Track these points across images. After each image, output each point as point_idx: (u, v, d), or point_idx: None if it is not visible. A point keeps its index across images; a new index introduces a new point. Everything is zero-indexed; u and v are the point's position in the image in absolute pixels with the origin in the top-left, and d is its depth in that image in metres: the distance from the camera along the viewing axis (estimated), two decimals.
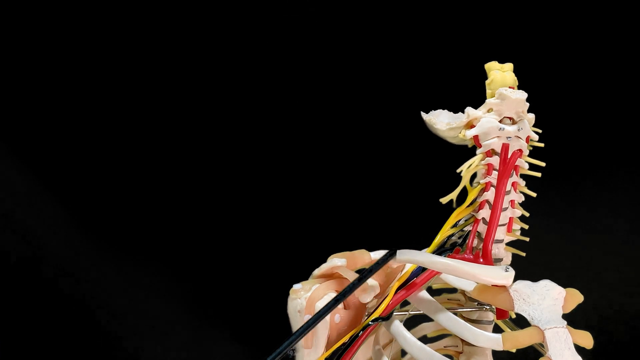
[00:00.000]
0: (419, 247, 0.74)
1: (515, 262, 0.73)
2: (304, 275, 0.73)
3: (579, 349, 0.65)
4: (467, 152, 0.74)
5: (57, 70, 1.28)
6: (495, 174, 0.72)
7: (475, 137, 0.72)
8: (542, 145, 0.72)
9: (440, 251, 0.73)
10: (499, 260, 0.73)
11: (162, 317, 1.27)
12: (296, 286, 0.71)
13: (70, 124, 1.28)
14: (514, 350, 0.67)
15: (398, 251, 0.71)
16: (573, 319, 0.66)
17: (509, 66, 0.73)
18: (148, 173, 1.29)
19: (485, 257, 0.72)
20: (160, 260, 1.28)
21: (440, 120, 0.73)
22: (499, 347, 0.66)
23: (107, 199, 1.28)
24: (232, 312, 1.27)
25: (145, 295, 1.28)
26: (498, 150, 0.72)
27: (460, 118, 0.73)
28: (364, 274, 0.70)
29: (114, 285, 1.27)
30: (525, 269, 0.72)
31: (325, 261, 0.73)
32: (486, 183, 0.72)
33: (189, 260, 1.29)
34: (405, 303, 0.73)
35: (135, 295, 1.28)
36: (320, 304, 0.70)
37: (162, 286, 1.28)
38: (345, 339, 0.71)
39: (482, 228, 0.72)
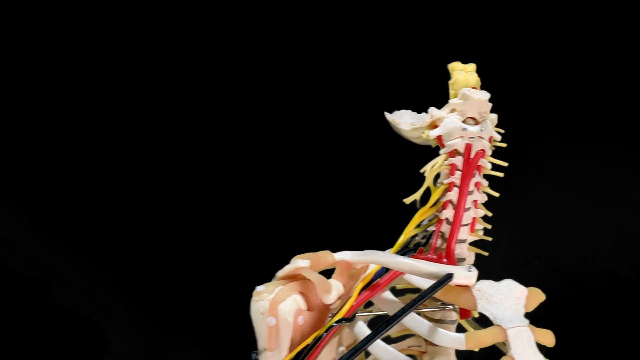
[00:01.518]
0: (383, 247, 0.74)
1: (478, 262, 0.73)
2: (267, 277, 0.73)
3: (541, 347, 0.65)
4: (430, 152, 0.74)
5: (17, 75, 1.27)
6: (458, 174, 0.72)
7: (439, 138, 0.72)
8: (504, 145, 0.73)
9: (404, 251, 0.73)
10: (462, 260, 0.73)
11: (119, 322, 1.26)
12: (259, 288, 0.71)
13: (23, 128, 1.27)
14: (477, 350, 0.68)
15: (363, 251, 0.71)
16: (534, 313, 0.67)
17: (472, 67, 0.73)
18: (104, 175, 1.28)
19: (448, 257, 0.72)
20: (119, 263, 1.27)
21: (404, 121, 0.74)
22: (462, 347, 0.67)
23: (63, 201, 1.27)
24: (195, 315, 1.26)
25: (102, 300, 1.26)
26: (461, 150, 0.72)
27: (424, 118, 0.73)
28: (422, 295, 0.67)
29: (70, 290, 1.26)
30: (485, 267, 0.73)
31: (288, 262, 0.72)
32: (449, 183, 0.72)
33: (150, 263, 1.28)
34: (369, 304, 0.73)
35: (92, 300, 1.26)
36: (283, 306, 0.70)
37: (120, 290, 1.27)
38: (309, 340, 0.70)
39: (445, 228, 0.73)
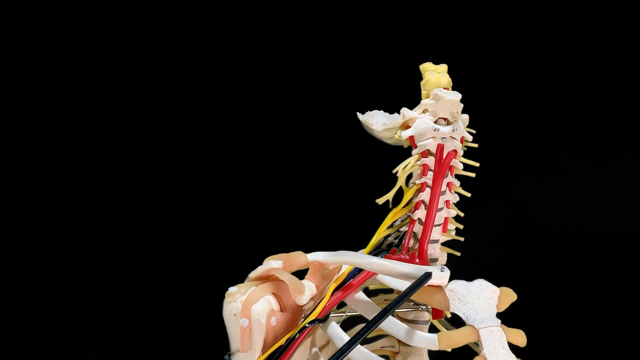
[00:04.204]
0: (356, 247, 0.74)
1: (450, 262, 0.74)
2: (240, 278, 0.73)
3: (513, 347, 0.66)
4: (403, 152, 0.74)
5: None
6: (430, 174, 0.72)
7: (411, 138, 0.72)
8: (476, 145, 0.73)
9: (377, 252, 0.74)
10: (434, 261, 0.74)
11: (94, 332, 1.25)
12: (232, 289, 0.70)
13: None
14: (449, 350, 0.68)
15: (336, 252, 0.71)
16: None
17: (444, 67, 0.73)
18: (74, 176, 1.27)
19: (421, 258, 0.72)
20: (88, 269, 1.26)
21: (376, 121, 0.74)
22: (435, 347, 0.67)
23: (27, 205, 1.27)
24: (166, 315, 1.25)
25: (77, 309, 1.25)
26: (433, 150, 0.72)
27: (396, 119, 0.73)
28: (400, 296, 0.66)
29: (42, 298, 1.25)
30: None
31: (261, 263, 0.72)
32: (422, 184, 0.72)
33: (118, 265, 1.27)
34: (342, 304, 0.73)
35: (64, 310, 1.25)
36: (256, 307, 0.70)
37: (94, 299, 1.26)
38: (282, 341, 0.70)
39: (418, 228, 0.73)
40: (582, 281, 1.31)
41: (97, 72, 1.28)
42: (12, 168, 1.27)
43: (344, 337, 0.70)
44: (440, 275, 0.67)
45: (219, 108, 1.30)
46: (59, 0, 1.26)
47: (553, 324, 1.26)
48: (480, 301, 0.66)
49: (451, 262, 0.74)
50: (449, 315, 0.72)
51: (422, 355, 0.74)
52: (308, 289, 0.71)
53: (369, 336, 0.77)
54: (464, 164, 0.73)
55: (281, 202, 1.27)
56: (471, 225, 0.76)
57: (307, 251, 0.74)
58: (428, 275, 0.65)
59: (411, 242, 0.73)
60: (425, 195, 0.72)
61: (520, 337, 0.66)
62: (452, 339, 0.65)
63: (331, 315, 0.71)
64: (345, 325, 0.73)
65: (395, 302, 0.66)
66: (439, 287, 0.67)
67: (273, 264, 0.71)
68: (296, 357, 0.72)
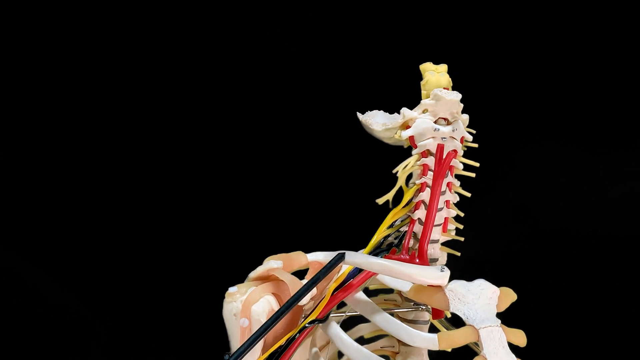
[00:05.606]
0: (356, 247, 0.74)
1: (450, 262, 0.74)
2: (240, 278, 0.73)
3: (513, 347, 0.66)
4: (402, 152, 0.74)
5: None
6: (430, 174, 0.72)
7: (411, 138, 0.72)
8: (476, 145, 0.73)
9: (377, 252, 0.73)
10: (434, 261, 0.73)
11: (94, 333, 1.25)
12: (232, 289, 0.71)
13: None
14: (449, 350, 0.68)
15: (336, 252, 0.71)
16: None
17: (444, 67, 0.73)
18: (78, 175, 1.27)
19: (421, 258, 0.72)
20: (83, 264, 1.26)
21: (376, 121, 0.74)
22: (435, 347, 0.67)
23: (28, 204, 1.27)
24: (166, 315, 1.25)
25: (77, 309, 1.25)
26: (433, 150, 0.72)
27: (396, 119, 0.73)
28: (312, 279, 0.68)
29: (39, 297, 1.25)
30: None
31: (261, 263, 0.72)
32: (422, 184, 0.72)
33: (118, 264, 1.27)
34: (342, 304, 0.73)
35: (64, 310, 1.25)
36: (256, 307, 0.70)
37: (88, 290, 1.26)
38: (282, 341, 0.70)
39: (418, 228, 0.73)
40: (583, 281, 1.31)
41: (97, 71, 1.28)
42: (12, 167, 1.27)
43: (344, 337, 0.70)
44: (440, 275, 0.67)
45: (219, 108, 1.30)
46: (59, 0, 1.26)
47: (553, 324, 1.26)
48: (480, 301, 0.66)
49: (451, 262, 0.74)
50: (449, 315, 0.72)
51: (422, 355, 0.74)
52: None
53: (368, 336, 0.77)
54: (464, 164, 0.73)
55: (281, 202, 1.27)
56: (471, 225, 0.76)
57: (307, 251, 0.74)
58: (342, 256, 0.66)
59: (411, 242, 0.73)
60: (425, 195, 0.72)
61: (520, 337, 0.66)
62: (452, 339, 0.65)
63: (331, 315, 0.71)
64: (346, 325, 0.73)
65: (307, 285, 0.67)
66: (439, 287, 0.67)
67: (273, 264, 0.71)
68: (296, 357, 0.72)
